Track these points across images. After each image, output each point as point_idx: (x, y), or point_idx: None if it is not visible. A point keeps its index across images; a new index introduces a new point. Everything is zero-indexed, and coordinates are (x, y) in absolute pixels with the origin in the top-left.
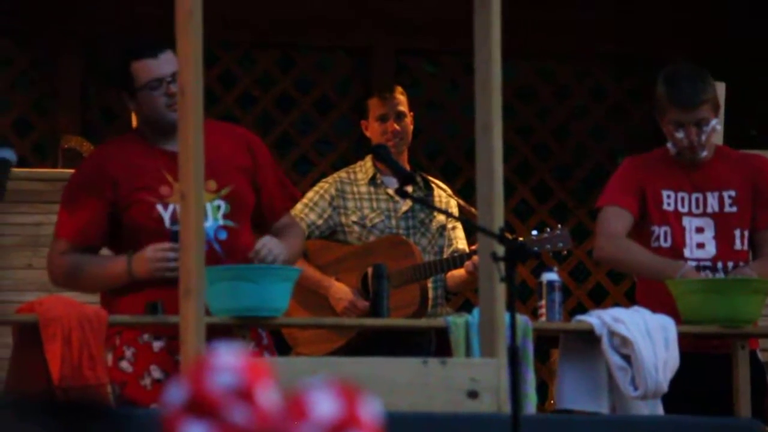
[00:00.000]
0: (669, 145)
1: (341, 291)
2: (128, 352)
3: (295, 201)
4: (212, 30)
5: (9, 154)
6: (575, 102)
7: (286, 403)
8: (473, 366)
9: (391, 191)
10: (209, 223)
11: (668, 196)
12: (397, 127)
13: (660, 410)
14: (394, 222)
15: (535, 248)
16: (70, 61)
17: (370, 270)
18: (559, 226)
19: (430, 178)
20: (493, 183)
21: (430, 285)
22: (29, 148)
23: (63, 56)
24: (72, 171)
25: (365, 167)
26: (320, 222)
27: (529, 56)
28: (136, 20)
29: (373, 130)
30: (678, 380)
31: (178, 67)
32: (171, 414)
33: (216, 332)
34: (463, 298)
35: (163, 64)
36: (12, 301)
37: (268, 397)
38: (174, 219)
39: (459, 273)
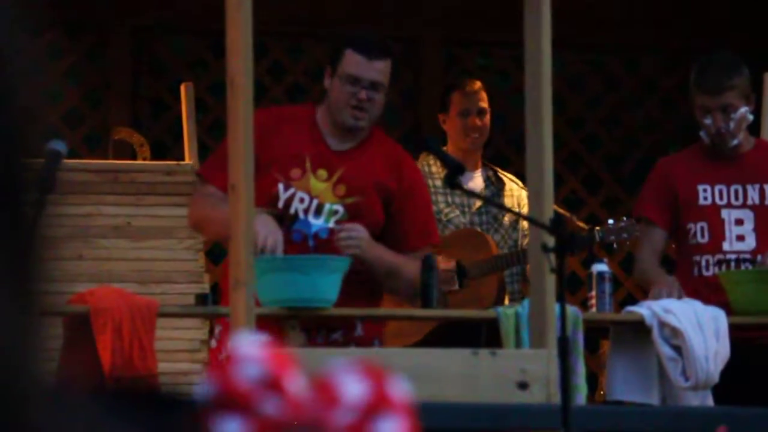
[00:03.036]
0: (702, 133)
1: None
2: (216, 330)
3: (432, 246)
4: (262, 20)
5: (60, 146)
6: (625, 93)
7: (315, 390)
8: (523, 357)
9: (465, 187)
10: (318, 221)
11: (704, 190)
12: (479, 123)
13: (710, 401)
14: (468, 218)
15: (611, 238)
16: (120, 52)
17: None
18: (624, 218)
19: (503, 173)
20: (543, 174)
21: (506, 279)
22: (80, 140)
23: (114, 48)
24: (124, 161)
25: (439, 161)
26: None
27: (578, 47)
28: (187, 10)
29: (452, 125)
30: (726, 371)
31: (228, 57)
32: (204, 412)
33: (264, 323)
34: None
35: (372, 69)
36: (62, 292)
37: (297, 385)
38: (289, 202)
39: None
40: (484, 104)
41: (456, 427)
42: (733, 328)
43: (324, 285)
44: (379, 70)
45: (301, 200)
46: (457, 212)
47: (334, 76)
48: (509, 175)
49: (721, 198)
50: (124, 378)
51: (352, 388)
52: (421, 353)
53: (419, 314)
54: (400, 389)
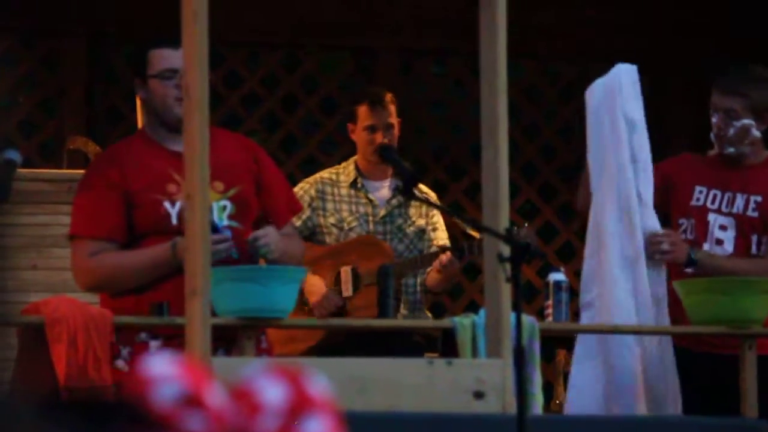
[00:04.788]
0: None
1: (315, 284)
2: (125, 351)
3: (296, 213)
4: (217, 30)
5: (14, 155)
6: (581, 103)
7: (236, 400)
8: (479, 366)
9: (371, 196)
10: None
11: (700, 192)
12: (385, 139)
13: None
14: (371, 227)
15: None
16: (75, 61)
17: (342, 270)
18: (526, 224)
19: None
20: (499, 183)
21: (407, 289)
22: (35, 149)
23: (69, 56)
24: (78, 171)
25: (348, 170)
26: (298, 223)
27: (534, 57)
28: (142, 21)
29: (359, 138)
30: (691, 382)
31: (183, 68)
32: None
33: (222, 333)
34: (469, 299)
35: (181, 56)
36: (16, 302)
37: (217, 397)
38: (181, 215)
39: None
40: (392, 119)
41: None
42: (692, 337)
43: (280, 295)
44: None
45: None
46: (360, 221)
47: (146, 83)
48: (421, 186)
49: (713, 202)
50: (79, 388)
51: (272, 392)
52: (375, 363)
53: (377, 324)
54: (319, 388)
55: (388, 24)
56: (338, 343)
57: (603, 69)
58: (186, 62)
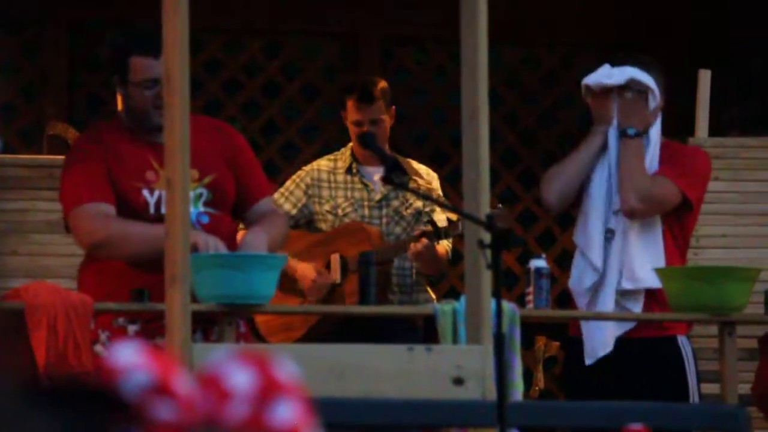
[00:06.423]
0: None
1: (306, 269)
2: (103, 336)
3: (272, 191)
4: (198, 16)
5: None
6: (561, 89)
7: (204, 387)
8: (459, 353)
9: (367, 181)
10: (191, 210)
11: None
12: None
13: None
14: (367, 211)
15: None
16: (56, 47)
17: (332, 257)
18: (499, 205)
19: (410, 165)
20: (480, 170)
21: (402, 272)
22: (15, 135)
23: (50, 42)
24: (58, 157)
25: (345, 156)
26: (294, 212)
27: (514, 43)
28: (124, 6)
29: (350, 128)
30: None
31: (164, 54)
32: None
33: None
34: (449, 285)
35: (161, 66)
36: None
37: (185, 384)
38: (159, 205)
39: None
40: (380, 115)
41: (390, 422)
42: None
43: (261, 282)
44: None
45: None
46: (355, 207)
47: (127, 84)
48: (418, 166)
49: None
50: (59, 375)
51: (240, 379)
52: (355, 349)
53: (357, 311)
54: (287, 373)
55: (370, 10)
56: (330, 331)
57: (582, 55)
58: (167, 48)
